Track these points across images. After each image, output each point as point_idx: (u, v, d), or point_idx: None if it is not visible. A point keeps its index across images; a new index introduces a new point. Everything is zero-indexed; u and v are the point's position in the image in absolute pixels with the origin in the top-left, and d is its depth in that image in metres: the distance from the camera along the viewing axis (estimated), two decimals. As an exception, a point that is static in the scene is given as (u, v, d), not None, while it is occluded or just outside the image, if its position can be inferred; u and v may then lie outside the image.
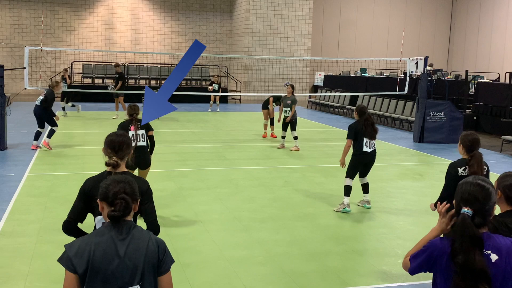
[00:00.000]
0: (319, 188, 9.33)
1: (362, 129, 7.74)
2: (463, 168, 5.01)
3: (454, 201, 2.65)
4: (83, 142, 13.46)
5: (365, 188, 8.21)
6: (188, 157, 12.02)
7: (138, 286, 2.42)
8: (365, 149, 7.72)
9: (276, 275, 5.56)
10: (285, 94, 13.41)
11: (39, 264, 5.58)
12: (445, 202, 2.78)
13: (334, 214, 7.80)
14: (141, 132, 7.50)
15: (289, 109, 12.99)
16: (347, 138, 7.90)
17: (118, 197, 2.47)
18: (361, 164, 7.90)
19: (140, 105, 19.25)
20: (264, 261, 5.92)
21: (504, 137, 14.09)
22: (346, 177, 7.92)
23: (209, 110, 22.05)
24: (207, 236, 6.69)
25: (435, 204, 5.31)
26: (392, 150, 13.75)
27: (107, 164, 3.48)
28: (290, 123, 13.04)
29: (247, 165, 11.31)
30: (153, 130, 7.72)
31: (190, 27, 30.67)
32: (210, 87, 21.54)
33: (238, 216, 7.58)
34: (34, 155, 11.48)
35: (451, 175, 5.05)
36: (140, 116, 7.25)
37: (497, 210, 3.27)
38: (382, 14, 33.66)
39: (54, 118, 12.24)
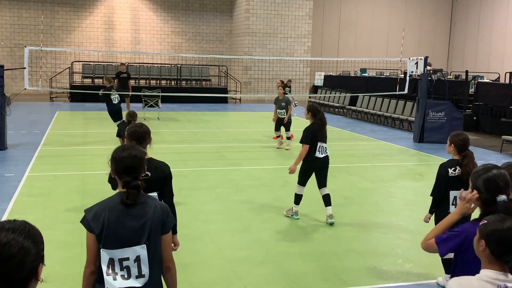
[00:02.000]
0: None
1: (317, 131, 7.08)
2: (453, 168, 5.01)
3: (474, 189, 2.81)
4: (83, 142, 13.46)
5: (326, 200, 7.30)
6: (188, 157, 12.02)
7: (144, 245, 2.79)
8: (317, 154, 7.08)
9: (276, 275, 5.55)
10: (277, 96, 13.36)
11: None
12: (470, 190, 2.87)
13: (334, 214, 7.79)
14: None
15: (283, 110, 12.95)
16: (304, 143, 7.09)
17: (130, 186, 2.79)
18: (311, 170, 7.24)
19: (140, 105, 19.18)
20: (264, 261, 5.92)
21: (504, 137, 14.09)
22: (298, 184, 7.38)
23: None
24: (207, 236, 6.69)
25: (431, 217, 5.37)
26: (392, 150, 13.75)
27: None
28: (285, 124, 13.03)
29: (247, 165, 11.31)
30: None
31: (190, 27, 30.67)
32: None
33: (238, 216, 7.57)
34: (34, 155, 11.48)
35: (442, 176, 5.06)
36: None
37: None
38: (382, 14, 33.65)
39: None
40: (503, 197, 2.69)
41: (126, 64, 19.17)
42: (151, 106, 18.41)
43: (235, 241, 6.55)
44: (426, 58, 15.30)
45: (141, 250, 2.80)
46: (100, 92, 13.83)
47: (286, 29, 29.52)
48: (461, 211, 2.91)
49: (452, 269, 2.95)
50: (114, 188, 4.26)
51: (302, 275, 5.57)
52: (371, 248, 6.45)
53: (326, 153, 7.19)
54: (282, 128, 13.45)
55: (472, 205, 2.86)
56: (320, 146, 7.10)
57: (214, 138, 14.78)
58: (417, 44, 33.74)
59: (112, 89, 13.82)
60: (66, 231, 6.56)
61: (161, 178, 3.91)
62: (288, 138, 13.30)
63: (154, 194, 3.82)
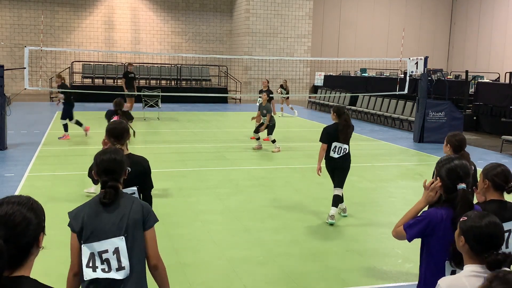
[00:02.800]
0: (319, 188, 9.32)
1: (336, 131, 7.19)
2: None
3: (438, 178, 3.05)
4: (83, 142, 13.45)
5: (334, 200, 7.26)
6: (188, 157, 12.02)
7: (123, 237, 2.86)
8: (332, 154, 7.20)
9: (276, 275, 5.55)
10: (261, 102, 13.29)
11: (39, 264, 5.56)
12: (432, 179, 3.12)
13: (334, 214, 7.80)
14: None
15: (265, 118, 12.86)
16: (321, 141, 7.29)
17: (108, 186, 2.90)
18: (327, 169, 7.37)
19: (140, 105, 19.19)
20: (264, 261, 5.92)
21: (504, 137, 14.09)
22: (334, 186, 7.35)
23: None
24: (207, 236, 6.69)
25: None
26: (392, 150, 13.75)
27: None
28: (267, 128, 12.86)
29: (247, 165, 11.31)
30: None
31: (190, 27, 30.67)
32: None
33: (238, 216, 7.57)
34: (34, 155, 11.48)
35: None
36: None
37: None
38: (382, 14, 33.66)
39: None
40: (462, 185, 2.94)
41: (130, 64, 19.20)
42: (151, 106, 18.41)
43: (235, 241, 6.55)
44: (426, 58, 15.30)
45: (120, 242, 2.86)
46: (58, 92, 13.71)
47: (286, 29, 29.52)
48: (426, 200, 3.13)
49: (420, 253, 3.16)
50: (94, 182, 4.63)
51: (302, 275, 5.57)
52: (371, 248, 6.45)
53: (343, 153, 7.21)
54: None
55: (436, 193, 3.08)
56: (335, 146, 7.18)
57: (214, 138, 14.77)
58: (417, 44, 33.74)
59: (66, 87, 13.74)
60: (66, 231, 6.53)
61: (141, 172, 4.00)
62: (273, 141, 13.02)
63: (134, 188, 3.93)
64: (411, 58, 15.92)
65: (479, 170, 5.20)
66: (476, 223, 2.38)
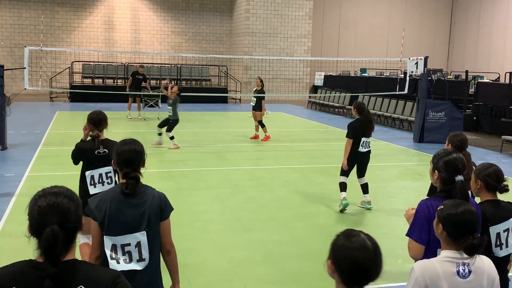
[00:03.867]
0: (319, 188, 9.32)
1: (361, 127, 7.67)
2: None
3: (436, 170, 3.14)
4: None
5: (365, 188, 8.08)
6: (188, 157, 12.02)
7: (144, 232, 3.01)
8: (360, 149, 7.70)
9: (276, 275, 5.55)
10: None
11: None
12: (410, 208, 3.23)
13: (334, 214, 7.80)
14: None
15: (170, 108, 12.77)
16: (348, 137, 7.77)
17: (129, 177, 3.00)
18: (354, 163, 7.84)
19: (140, 105, 19.16)
20: (264, 261, 5.92)
21: (504, 137, 14.09)
22: (340, 175, 7.92)
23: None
24: (207, 236, 6.69)
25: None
26: (392, 150, 13.75)
27: (91, 136, 4.94)
28: (175, 124, 12.85)
29: (247, 165, 11.31)
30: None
31: (190, 27, 30.67)
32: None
33: (238, 216, 7.57)
34: (34, 155, 11.48)
35: None
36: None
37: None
38: (382, 14, 33.65)
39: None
40: (460, 177, 3.04)
41: (142, 67, 19.40)
42: (151, 106, 18.41)
43: (235, 241, 6.55)
44: (426, 58, 15.30)
45: (141, 237, 3.01)
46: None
47: (286, 29, 29.51)
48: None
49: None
50: (75, 163, 5.15)
51: (302, 275, 5.57)
52: (371, 248, 6.43)
53: (369, 147, 7.81)
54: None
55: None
56: (364, 141, 7.67)
57: (214, 138, 14.77)
58: (417, 44, 33.74)
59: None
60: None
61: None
62: (172, 138, 12.88)
63: (110, 168, 4.87)
64: (411, 58, 15.93)
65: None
66: (453, 211, 2.53)
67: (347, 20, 32.89)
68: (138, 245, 3.01)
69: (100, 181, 5.00)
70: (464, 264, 2.48)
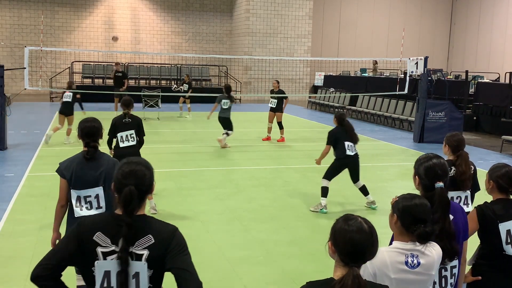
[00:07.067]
0: (319, 188, 9.31)
1: (343, 131, 7.78)
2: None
3: (417, 176, 3.10)
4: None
5: (364, 191, 8.12)
6: (188, 157, 12.02)
7: (101, 187, 3.91)
8: (348, 152, 7.73)
9: (276, 275, 5.55)
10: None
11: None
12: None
13: (334, 214, 7.80)
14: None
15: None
16: (327, 144, 7.90)
17: (90, 146, 3.96)
18: (343, 167, 7.88)
19: (140, 105, 19.14)
20: (264, 261, 5.92)
21: (504, 137, 14.09)
22: (323, 178, 7.93)
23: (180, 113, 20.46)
24: (207, 236, 6.69)
25: None
26: (392, 150, 13.75)
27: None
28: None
29: (247, 165, 11.31)
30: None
31: (190, 27, 30.67)
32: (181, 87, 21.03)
33: (238, 216, 7.57)
34: (34, 155, 11.48)
35: None
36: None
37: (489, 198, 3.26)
38: (382, 14, 33.65)
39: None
40: (440, 183, 2.99)
41: (117, 64, 19.30)
42: (151, 106, 18.42)
43: (235, 241, 6.56)
44: (426, 58, 15.30)
45: (99, 190, 3.92)
46: None
47: (286, 29, 29.52)
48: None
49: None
50: (110, 147, 6.80)
51: (302, 275, 5.57)
52: (371, 248, 6.44)
53: (356, 150, 7.85)
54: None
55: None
56: (348, 145, 7.74)
57: (214, 138, 14.77)
58: (417, 44, 33.74)
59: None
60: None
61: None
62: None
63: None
64: (411, 58, 15.92)
65: (479, 171, 5.21)
66: (407, 202, 2.64)
67: (347, 20, 32.89)
68: (97, 197, 3.92)
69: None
70: (413, 256, 2.56)
